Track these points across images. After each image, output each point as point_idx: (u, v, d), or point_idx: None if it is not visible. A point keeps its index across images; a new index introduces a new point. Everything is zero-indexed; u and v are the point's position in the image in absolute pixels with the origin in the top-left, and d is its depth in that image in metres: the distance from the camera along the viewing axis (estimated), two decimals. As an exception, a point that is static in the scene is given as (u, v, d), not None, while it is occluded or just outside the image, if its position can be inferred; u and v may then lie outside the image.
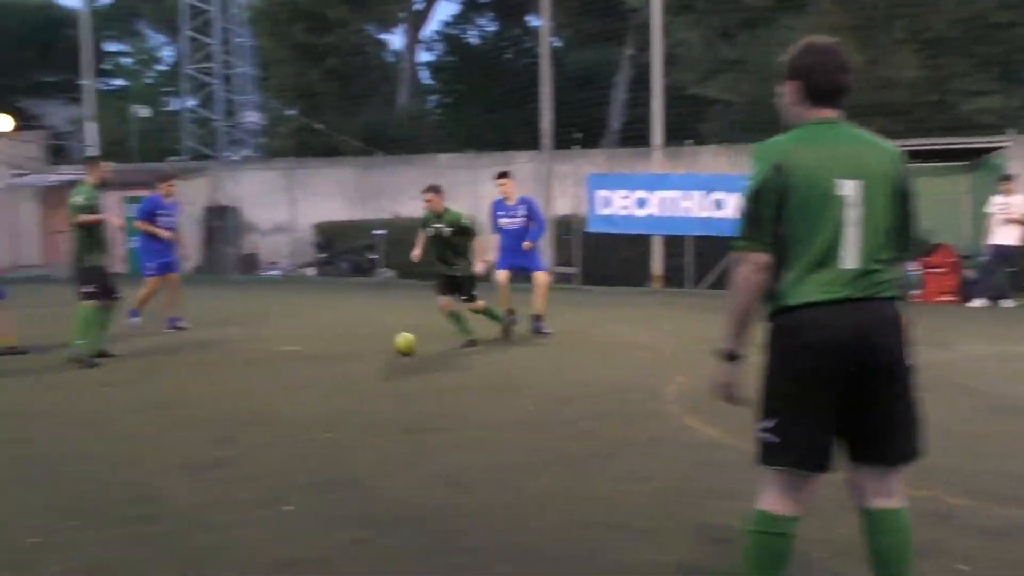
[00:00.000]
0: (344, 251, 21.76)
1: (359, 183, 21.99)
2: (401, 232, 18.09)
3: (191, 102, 31.45)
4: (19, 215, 24.20)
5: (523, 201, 11.16)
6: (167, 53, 40.46)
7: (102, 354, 9.31)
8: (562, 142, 19.81)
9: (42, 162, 26.58)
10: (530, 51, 27.20)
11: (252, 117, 31.01)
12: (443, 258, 9.96)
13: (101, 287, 9.18)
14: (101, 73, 34.28)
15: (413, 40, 29.15)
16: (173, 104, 36.77)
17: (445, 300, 9.91)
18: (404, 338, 9.35)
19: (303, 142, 25.81)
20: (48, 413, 7.07)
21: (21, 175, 24.46)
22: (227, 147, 29.52)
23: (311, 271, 22.09)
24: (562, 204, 19.41)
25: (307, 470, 5.35)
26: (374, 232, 20.79)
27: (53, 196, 24.08)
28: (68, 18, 38.75)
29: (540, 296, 10.92)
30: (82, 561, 3.98)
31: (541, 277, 10.95)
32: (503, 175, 11.20)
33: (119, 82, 40.38)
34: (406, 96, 28.82)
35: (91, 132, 25.24)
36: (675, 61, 20.36)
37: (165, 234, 11.10)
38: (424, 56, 31.09)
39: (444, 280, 9.95)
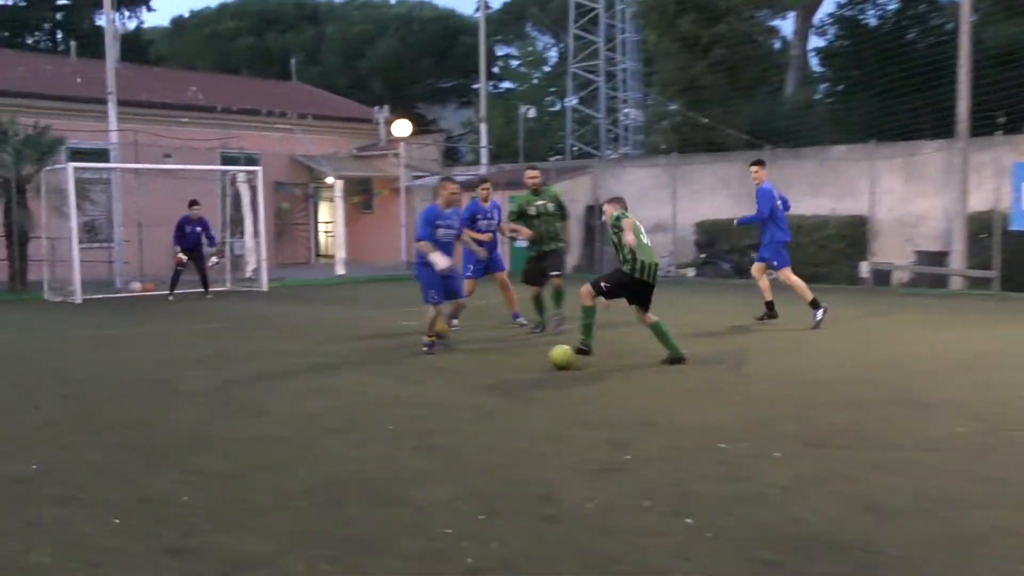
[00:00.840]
0: (727, 251, 20.75)
1: (744, 179, 20.85)
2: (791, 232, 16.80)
3: (574, 100, 32.16)
4: (416, 215, 25.84)
5: (762, 188, 11.75)
6: (551, 54, 41.86)
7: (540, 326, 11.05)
8: (979, 128, 17.41)
9: (438, 164, 28.26)
10: (937, 28, 24.49)
11: (633, 114, 31.03)
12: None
13: (535, 276, 10.98)
14: (491, 76, 36.08)
15: (805, 25, 27.44)
16: (557, 104, 37.90)
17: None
18: (561, 351, 8.55)
19: (684, 137, 25.18)
20: (441, 405, 7.20)
21: (421, 176, 26.08)
22: (608, 144, 29.78)
23: (690, 272, 21.25)
24: (978, 198, 17.17)
25: (705, 481, 5.00)
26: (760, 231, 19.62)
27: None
28: (465, 26, 41.47)
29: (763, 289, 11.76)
30: (491, 555, 3.96)
31: (754, 269, 11.97)
32: (755, 163, 11.98)
33: (507, 84, 42.43)
34: (793, 85, 27.21)
35: (483, 134, 26.39)
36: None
37: (478, 249, 10.56)
38: (814, 42, 29.18)
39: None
